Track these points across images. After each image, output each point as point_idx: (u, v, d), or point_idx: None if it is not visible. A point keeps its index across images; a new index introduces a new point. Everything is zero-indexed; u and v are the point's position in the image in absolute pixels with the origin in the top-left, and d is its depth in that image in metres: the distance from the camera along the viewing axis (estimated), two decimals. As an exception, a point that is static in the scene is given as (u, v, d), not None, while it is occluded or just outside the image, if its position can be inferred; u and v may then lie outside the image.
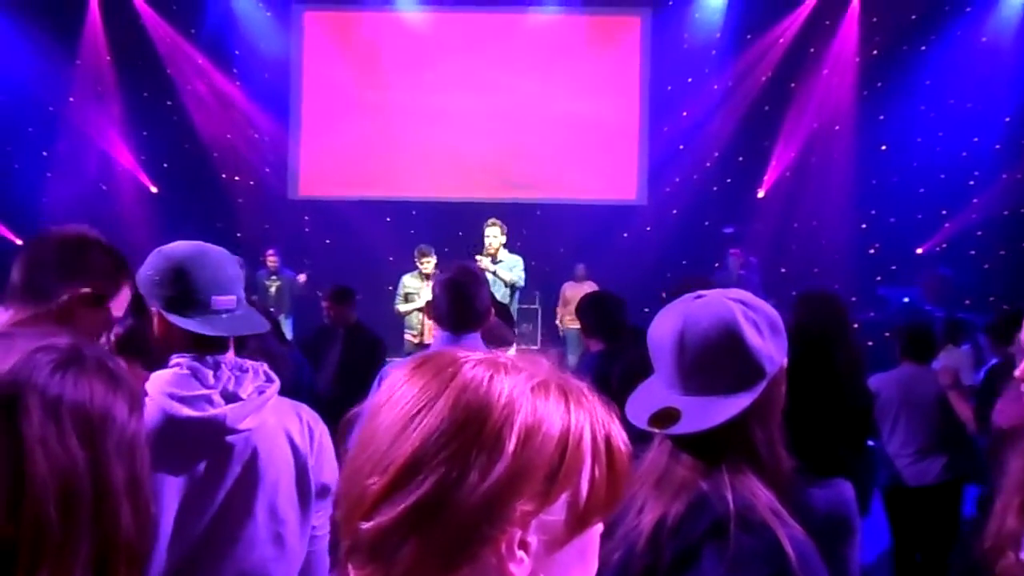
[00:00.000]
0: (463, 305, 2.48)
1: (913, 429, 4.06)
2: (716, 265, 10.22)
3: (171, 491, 1.58)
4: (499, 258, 7.07)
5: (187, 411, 1.57)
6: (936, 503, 4.04)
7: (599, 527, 0.72)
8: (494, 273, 6.74)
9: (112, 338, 1.92)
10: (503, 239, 7.11)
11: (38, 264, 1.66)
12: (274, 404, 1.66)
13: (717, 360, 1.19)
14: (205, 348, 1.63)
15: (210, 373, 1.60)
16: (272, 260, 9.10)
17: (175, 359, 1.63)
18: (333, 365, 5.07)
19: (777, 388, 1.25)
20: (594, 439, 0.69)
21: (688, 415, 1.18)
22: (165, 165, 11.00)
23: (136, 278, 1.70)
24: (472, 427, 0.66)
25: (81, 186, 10.82)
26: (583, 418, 0.69)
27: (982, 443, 4.03)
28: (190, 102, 10.98)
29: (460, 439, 0.66)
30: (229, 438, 1.60)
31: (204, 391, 1.58)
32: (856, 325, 6.84)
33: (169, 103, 10.97)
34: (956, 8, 10.17)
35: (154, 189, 11.10)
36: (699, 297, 1.26)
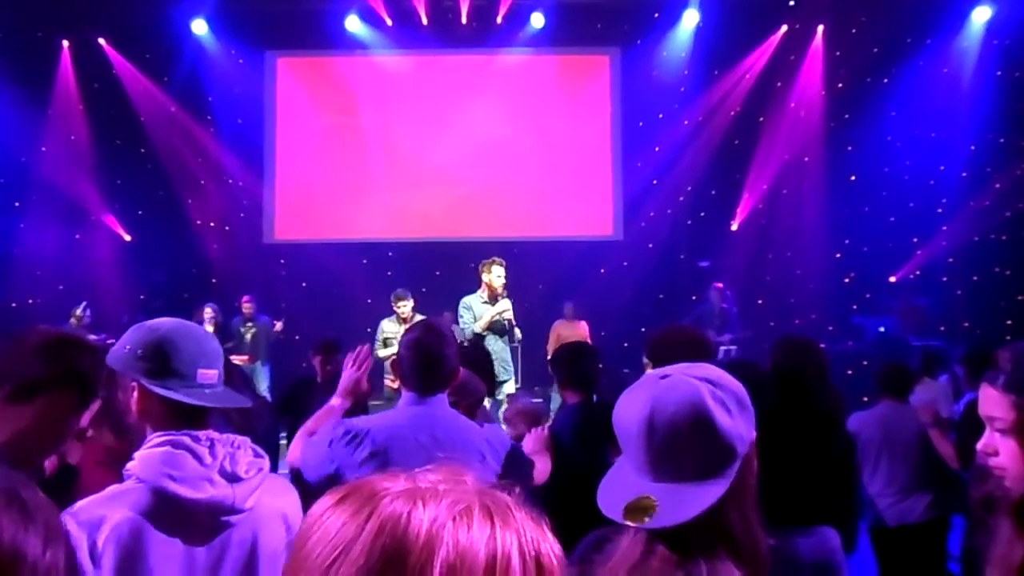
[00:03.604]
0: (429, 367, 2.35)
1: (895, 468, 4.06)
2: (694, 298, 10.27)
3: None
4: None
5: (189, 492, 1.51)
6: (921, 542, 4.03)
7: None
8: (500, 315, 6.69)
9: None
10: None
11: (22, 354, 1.60)
12: (267, 482, 1.63)
13: (687, 445, 1.15)
14: (184, 422, 1.58)
15: (206, 451, 1.55)
16: (248, 306, 9.03)
17: (158, 437, 1.56)
18: None
19: (749, 467, 1.20)
20: (523, 561, 0.66)
21: (662, 506, 1.13)
22: (139, 213, 10.94)
23: (108, 355, 1.65)
24: (389, 574, 0.63)
25: (55, 236, 10.71)
26: (510, 541, 0.66)
27: (967, 477, 4.03)
28: (163, 149, 10.96)
29: None
30: (230, 518, 1.55)
31: (202, 470, 1.53)
32: (833, 351, 6.90)
33: (142, 151, 10.94)
34: (917, 41, 10.41)
35: (128, 237, 11.01)
36: (664, 377, 1.21)
